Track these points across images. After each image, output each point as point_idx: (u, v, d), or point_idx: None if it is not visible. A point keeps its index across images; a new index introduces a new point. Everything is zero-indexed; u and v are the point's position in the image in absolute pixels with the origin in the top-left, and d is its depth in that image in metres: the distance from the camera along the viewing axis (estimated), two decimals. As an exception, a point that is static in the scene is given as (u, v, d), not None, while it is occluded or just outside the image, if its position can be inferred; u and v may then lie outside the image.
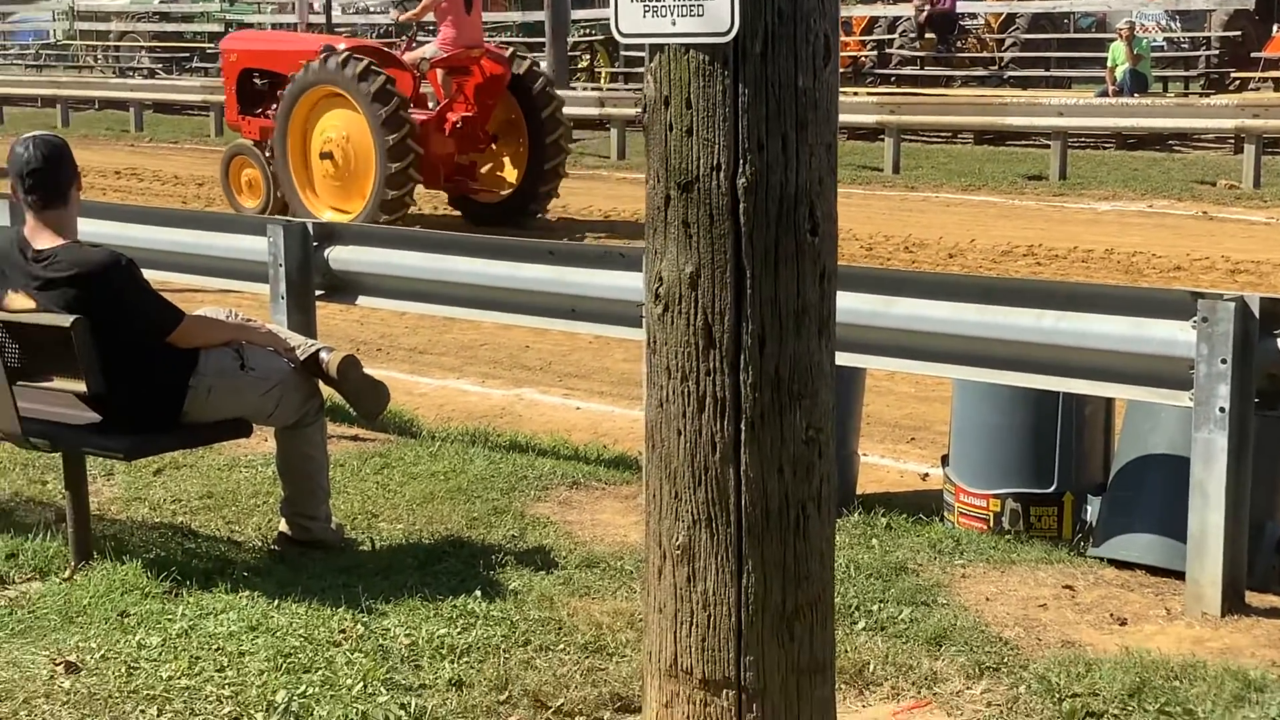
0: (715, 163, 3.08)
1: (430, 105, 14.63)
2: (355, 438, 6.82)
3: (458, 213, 15.22)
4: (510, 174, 14.82)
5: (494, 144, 14.68)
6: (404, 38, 15.34)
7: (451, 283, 6.67)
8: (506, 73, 14.30)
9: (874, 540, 5.33)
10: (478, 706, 3.86)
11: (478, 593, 4.65)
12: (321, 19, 25.15)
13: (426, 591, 4.67)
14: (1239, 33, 24.27)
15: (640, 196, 3.35)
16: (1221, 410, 4.64)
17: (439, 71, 14.30)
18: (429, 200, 15.95)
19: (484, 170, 14.83)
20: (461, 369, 9.22)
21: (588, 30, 29.00)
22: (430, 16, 14.62)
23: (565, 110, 15.08)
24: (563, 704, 3.90)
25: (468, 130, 14.29)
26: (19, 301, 4.80)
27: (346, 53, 13.76)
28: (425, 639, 4.27)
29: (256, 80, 15.14)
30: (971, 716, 3.90)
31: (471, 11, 14.22)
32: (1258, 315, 4.66)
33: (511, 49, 15.58)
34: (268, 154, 14.58)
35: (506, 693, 3.95)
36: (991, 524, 5.61)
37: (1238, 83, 23.77)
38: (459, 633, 4.34)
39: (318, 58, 13.86)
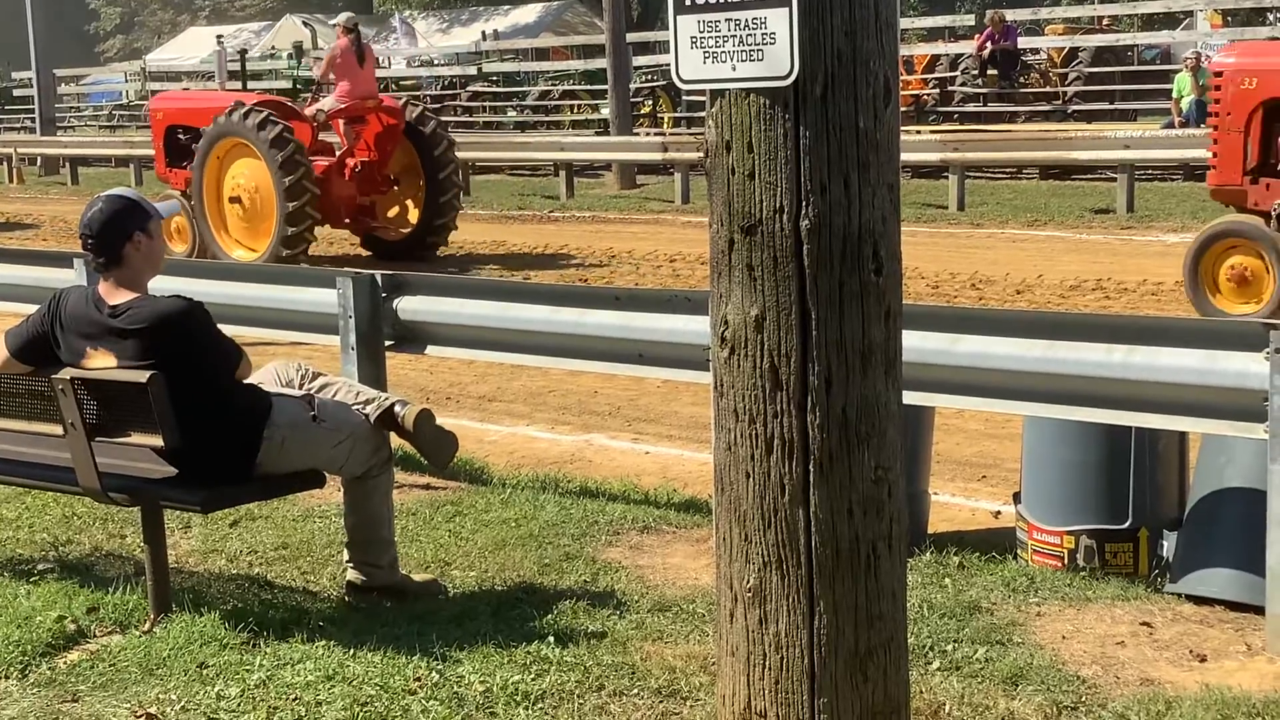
0: (778, 205, 3.10)
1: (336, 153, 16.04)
2: (427, 486, 6.86)
3: (368, 252, 16.53)
4: (413, 213, 16.23)
5: (395, 186, 16.08)
6: (308, 93, 16.80)
7: (519, 330, 6.72)
8: (401, 121, 15.72)
9: (947, 579, 5.30)
10: (553, 752, 3.87)
11: (551, 638, 4.66)
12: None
13: (500, 638, 4.69)
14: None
15: (704, 240, 3.38)
16: (1297, 442, 4.59)
17: (340, 122, 15.76)
18: (343, 243, 17.13)
19: (390, 211, 16.24)
20: (530, 415, 9.27)
21: (649, 76, 29.18)
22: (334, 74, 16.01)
23: (624, 156, 15.66)
24: (637, 749, 3.90)
25: (367, 174, 15.76)
26: (98, 359, 4.89)
27: (249, 106, 15.29)
28: (500, 686, 4.29)
29: (180, 136, 16.49)
30: (1050, 756, 3.86)
31: (364, 66, 15.71)
32: (1332, 345, 4.60)
33: (405, 98, 17.44)
34: (191, 202, 15.92)
35: (587, 739, 3.95)
36: (1066, 561, 5.55)
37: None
38: (533, 679, 4.35)
39: (224, 112, 15.34)
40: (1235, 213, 10.57)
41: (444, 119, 31.54)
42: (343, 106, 15.56)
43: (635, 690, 4.29)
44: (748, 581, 3.28)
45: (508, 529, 6.04)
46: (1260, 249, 10.16)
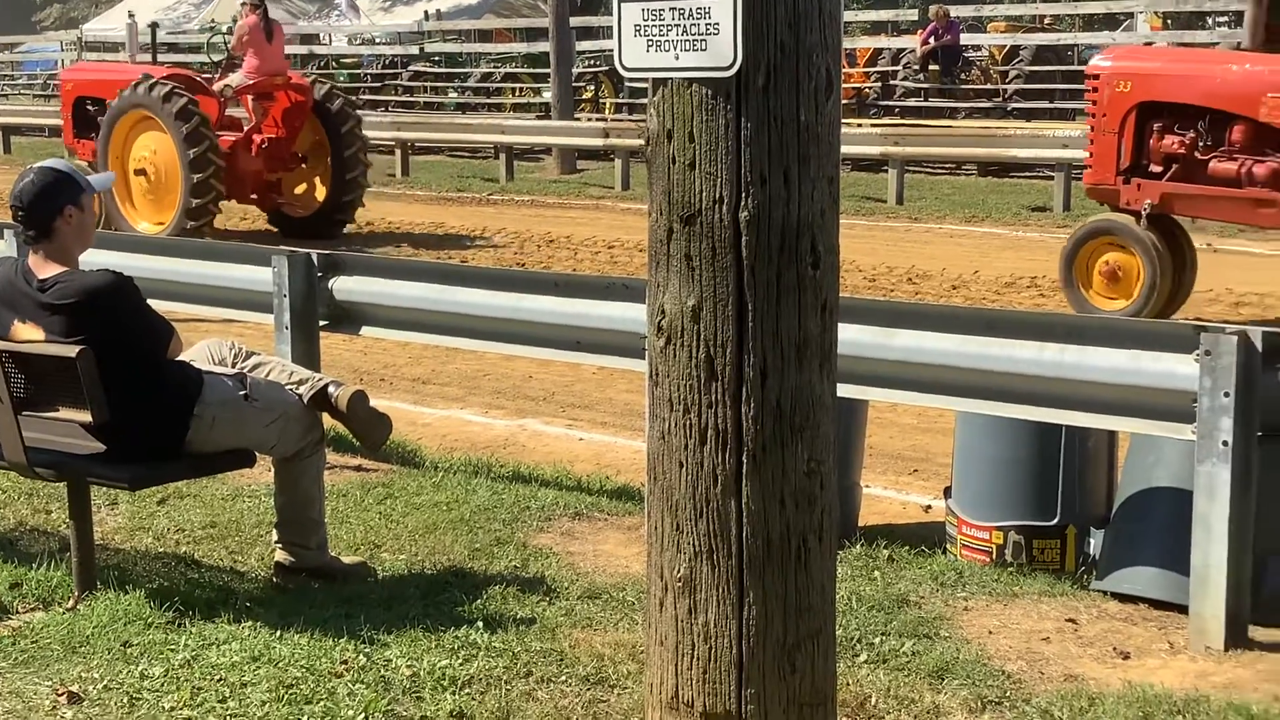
0: (718, 196, 3.10)
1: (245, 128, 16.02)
2: (359, 468, 6.82)
3: (275, 228, 16.54)
4: (320, 191, 16.24)
5: (303, 164, 16.12)
6: (219, 68, 16.64)
7: (456, 314, 6.69)
8: (308, 98, 15.72)
9: (876, 572, 5.33)
10: (479, 738, 3.85)
11: (479, 624, 4.64)
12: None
13: (428, 622, 4.67)
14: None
15: (643, 226, 3.37)
16: (1225, 444, 4.64)
17: (248, 98, 15.76)
18: (257, 219, 17.20)
19: (297, 188, 16.32)
20: (465, 399, 9.23)
21: (592, 61, 29.12)
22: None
23: (565, 141, 15.48)
24: (564, 736, 3.89)
25: (274, 150, 15.76)
26: (26, 332, 4.82)
27: (155, 80, 15.23)
28: (427, 670, 4.27)
29: (89, 107, 16.50)
30: (974, 750, 3.89)
31: (273, 42, 15.71)
32: (1260, 349, 4.66)
33: (314, 76, 17.35)
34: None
35: (508, 724, 3.94)
36: (994, 556, 5.60)
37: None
38: (460, 664, 4.33)
39: (130, 85, 15.30)
40: (1110, 211, 10.85)
41: (383, 98, 31.40)
42: (250, 83, 15.57)
43: (563, 677, 4.28)
44: (678, 571, 3.29)
45: (439, 512, 6.02)
46: (1131, 247, 10.48)
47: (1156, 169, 10.58)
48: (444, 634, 4.56)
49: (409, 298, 6.82)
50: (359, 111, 16.80)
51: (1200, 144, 10.39)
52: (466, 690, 4.17)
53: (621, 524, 6.01)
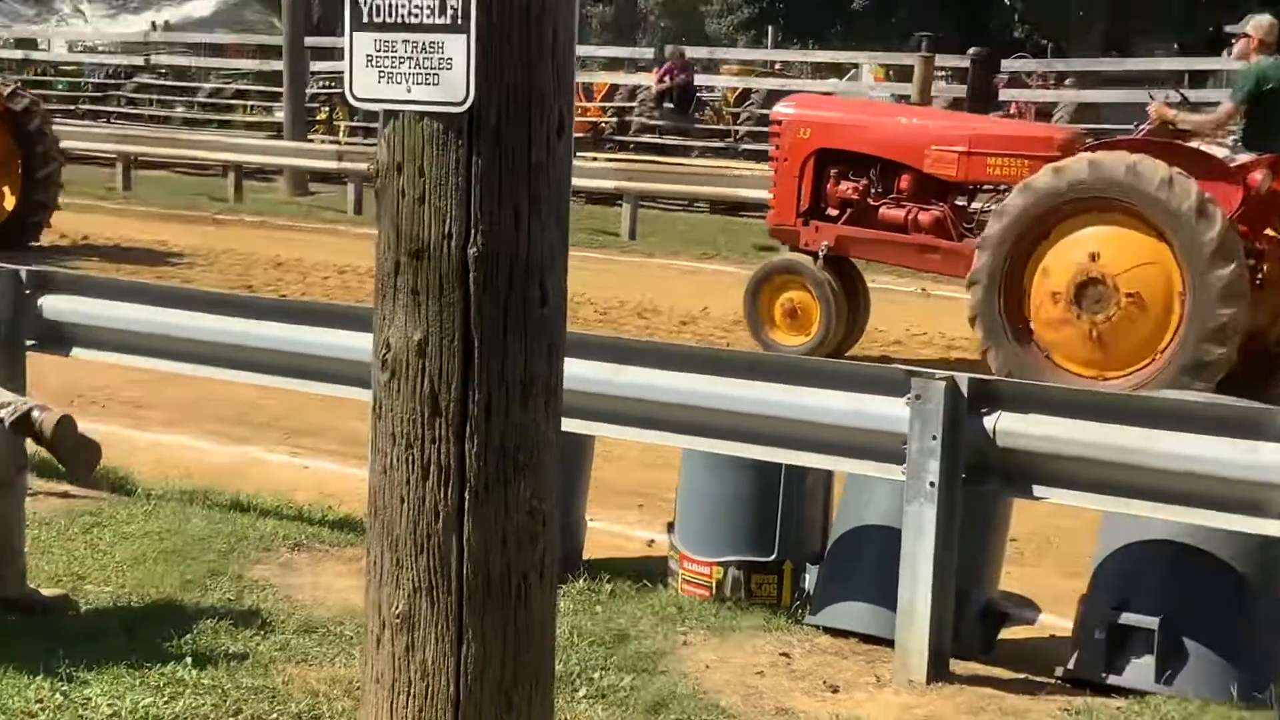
0: (446, 231, 3.08)
1: None
2: (65, 494, 6.53)
3: None
4: (9, 200, 15.73)
5: None
6: None
7: (175, 337, 6.49)
8: (4, 108, 15.35)
9: (598, 607, 5.36)
10: (184, 779, 3.72)
11: (188, 659, 4.49)
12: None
13: (134, 658, 4.49)
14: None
15: (375, 252, 3.33)
16: (931, 485, 4.83)
17: None
18: None
19: None
20: (183, 424, 8.95)
21: (327, 83, 28.69)
22: None
23: (297, 162, 15.28)
24: (274, 776, 3.79)
25: None
26: None
27: None
28: (129, 709, 4.11)
29: None
30: (687, 785, 3.94)
31: None
32: (966, 395, 4.87)
33: (12, 86, 16.84)
34: None
35: (216, 765, 3.82)
36: (714, 591, 5.70)
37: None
38: (165, 701, 4.18)
39: None
40: (790, 251, 11.41)
41: (106, 109, 30.28)
42: None
43: (274, 714, 4.18)
44: (397, 607, 3.24)
45: (150, 542, 5.81)
46: (809, 286, 11.01)
47: (833, 212, 11.17)
48: (149, 670, 4.40)
49: (125, 319, 6.59)
50: (79, 121, 16.25)
51: (872, 190, 11.04)
52: (173, 729, 4.03)
53: (343, 555, 5.91)
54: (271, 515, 6.42)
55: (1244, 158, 9.68)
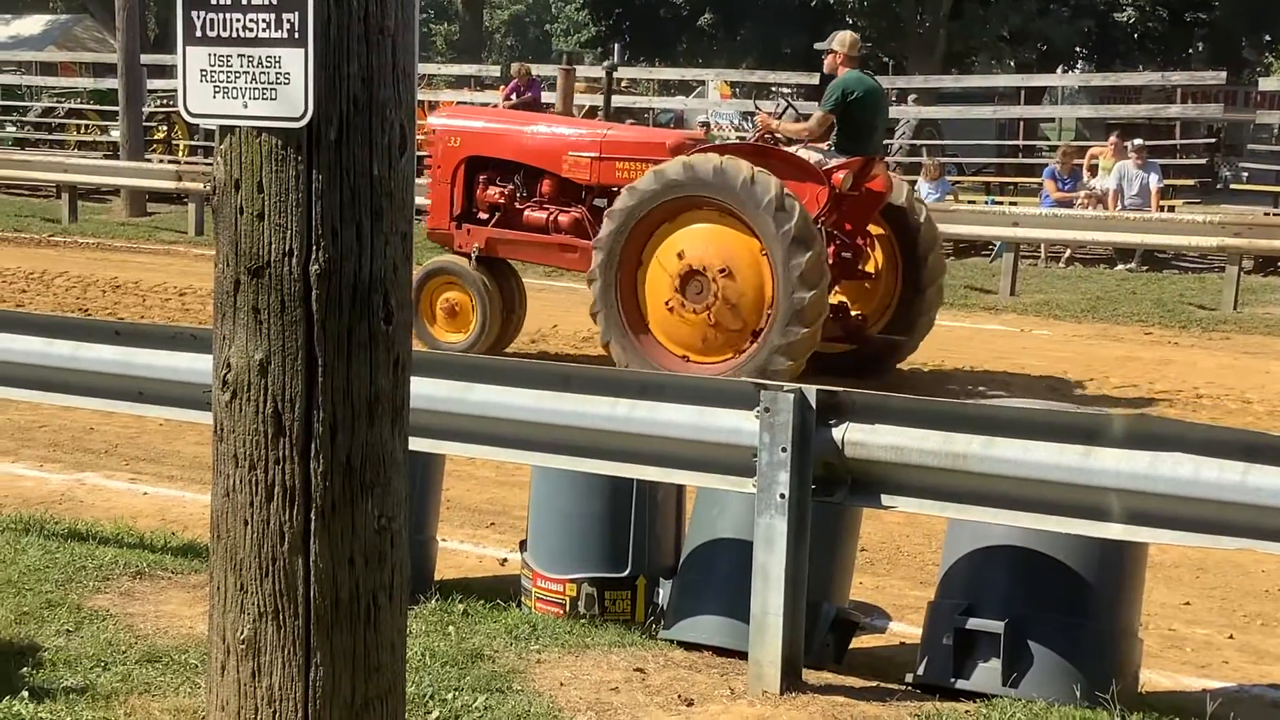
0: (288, 248, 3.02)
1: None
2: (-107, 527, 6.30)
3: None
4: None
5: None
6: None
7: (6, 361, 6.28)
8: None
9: (450, 627, 5.31)
10: (21, 818, 3.59)
11: (25, 693, 4.35)
12: None
13: (-32, 694, 4.33)
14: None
15: (210, 278, 3.26)
16: (782, 496, 4.86)
17: None
18: None
19: None
20: (17, 452, 8.68)
21: (165, 100, 28.13)
22: None
23: (134, 182, 17.20)
24: (117, 811, 3.68)
25: None
26: None
27: None
28: (-37, 747, 3.96)
29: None
30: (543, 804, 3.91)
31: None
32: (815, 406, 4.91)
33: None
34: None
35: (55, 802, 3.70)
36: (568, 609, 5.67)
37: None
38: (3, 738, 4.04)
39: None
40: (447, 253, 12.12)
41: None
42: None
43: (118, 748, 4.06)
44: (242, 632, 3.17)
45: (-16, 574, 5.61)
46: (465, 286, 11.73)
47: (483, 216, 11.95)
48: (-15, 706, 4.25)
49: (-46, 344, 6.36)
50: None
51: (517, 195, 11.84)
52: (9, 767, 3.89)
53: (186, 582, 5.77)
54: (111, 543, 6.26)
55: (835, 161, 10.70)
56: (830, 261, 10.54)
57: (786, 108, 12.15)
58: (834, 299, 11.15)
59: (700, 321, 10.41)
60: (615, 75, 21.80)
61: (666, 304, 10.51)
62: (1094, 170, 20.72)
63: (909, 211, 11.50)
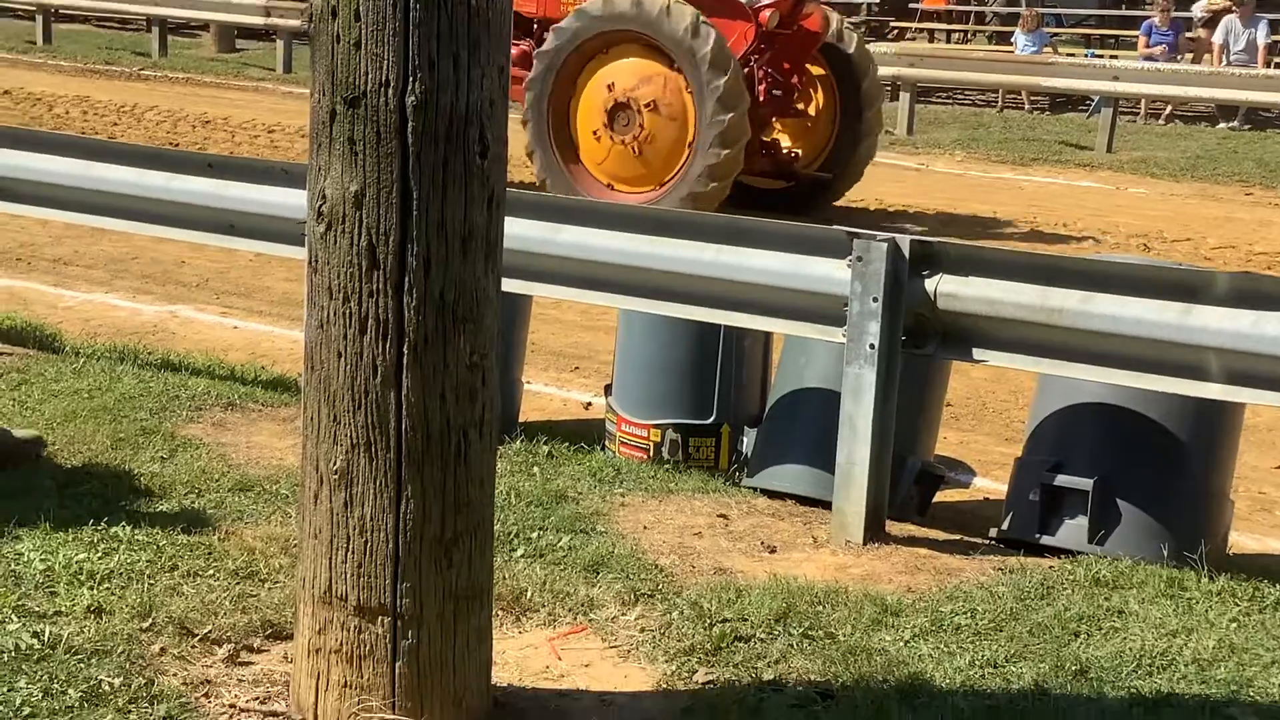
0: (384, 79, 2.99)
1: None
2: (-10, 352, 6.42)
3: None
4: None
5: None
6: None
7: (100, 191, 6.33)
8: None
9: (535, 468, 5.34)
10: (118, 634, 3.68)
11: (122, 517, 4.43)
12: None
13: (65, 515, 4.42)
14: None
15: (305, 112, 3.23)
16: (871, 347, 4.81)
17: None
18: None
19: None
20: (111, 283, 8.79)
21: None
22: None
23: (222, 17, 18.09)
24: (210, 631, 3.76)
25: None
26: None
27: None
28: (62, 564, 4.05)
29: None
30: (625, 642, 3.95)
31: None
32: (908, 256, 4.84)
33: None
34: None
35: (150, 620, 3.78)
36: (651, 454, 5.69)
37: (896, 32, 24.75)
38: (100, 558, 4.13)
39: None
40: None
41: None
42: None
43: (211, 571, 4.14)
44: (335, 463, 3.19)
45: (80, 400, 5.71)
46: None
47: None
48: (82, 527, 4.34)
49: (50, 173, 6.41)
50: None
51: None
52: (105, 585, 3.97)
53: (277, 415, 5.84)
54: (204, 375, 6.34)
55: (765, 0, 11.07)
56: (762, 100, 11.04)
57: None
58: (769, 137, 11.72)
59: (626, 152, 10.92)
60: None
61: (595, 134, 10.98)
62: (1211, 24, 19.88)
63: (844, 44, 11.74)
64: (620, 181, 11.07)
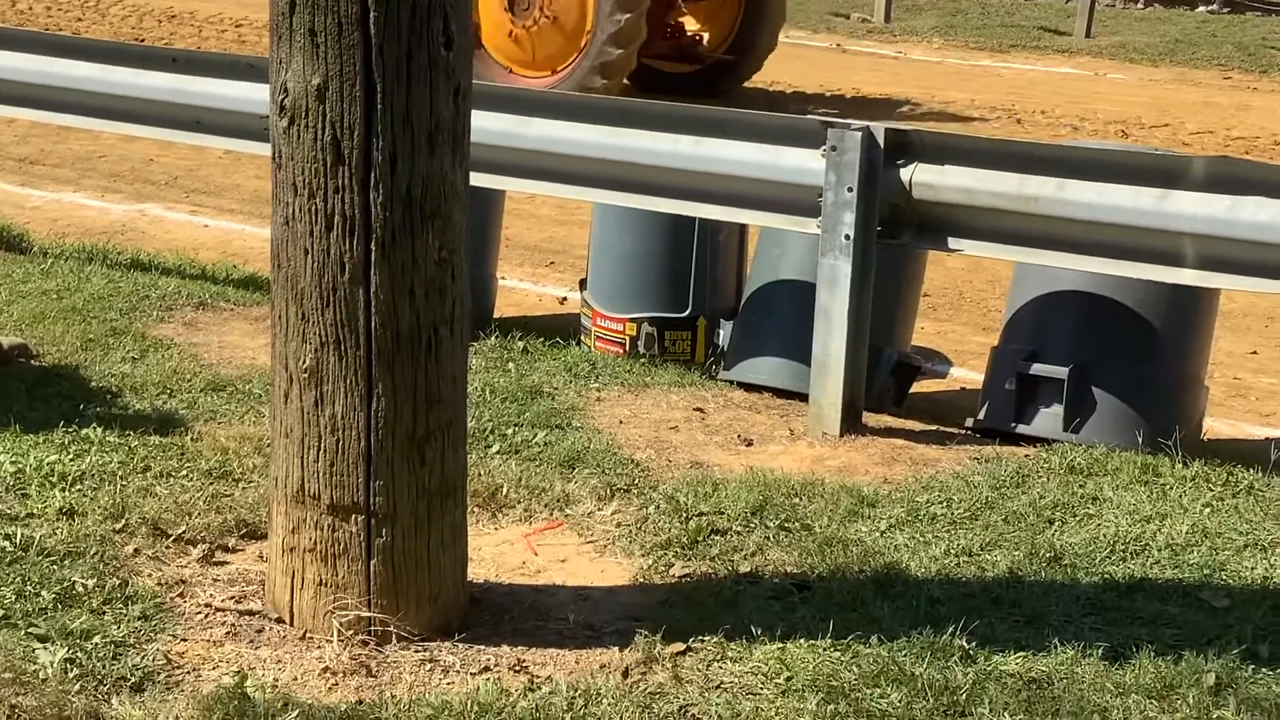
0: (344, -34, 2.91)
1: None
2: (-44, 254, 6.34)
3: None
4: None
5: None
6: None
7: (65, 88, 6.22)
8: None
9: (510, 364, 5.32)
10: (91, 536, 3.66)
11: (92, 418, 4.40)
12: None
13: (35, 416, 4.39)
14: None
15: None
16: (847, 238, 4.77)
17: None
18: None
19: None
20: (78, 182, 8.68)
21: None
22: None
23: None
24: (184, 531, 3.74)
25: None
26: None
27: None
28: (33, 466, 4.02)
29: None
30: (602, 536, 3.95)
31: None
32: (882, 145, 4.78)
33: None
34: None
35: (123, 521, 3.76)
36: (627, 348, 5.67)
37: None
38: (71, 459, 4.10)
39: None
40: None
41: None
42: None
43: (184, 472, 4.12)
44: (304, 362, 3.16)
45: (48, 301, 5.66)
46: None
47: None
48: (53, 429, 4.30)
49: (12, 69, 6.30)
50: None
51: None
52: (78, 486, 3.95)
53: (248, 314, 5.80)
54: (174, 274, 6.28)
55: None
56: None
57: None
58: (675, 20, 11.95)
59: (526, 37, 11.28)
60: None
61: (497, 22, 11.33)
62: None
63: None
64: (520, 65, 11.40)
